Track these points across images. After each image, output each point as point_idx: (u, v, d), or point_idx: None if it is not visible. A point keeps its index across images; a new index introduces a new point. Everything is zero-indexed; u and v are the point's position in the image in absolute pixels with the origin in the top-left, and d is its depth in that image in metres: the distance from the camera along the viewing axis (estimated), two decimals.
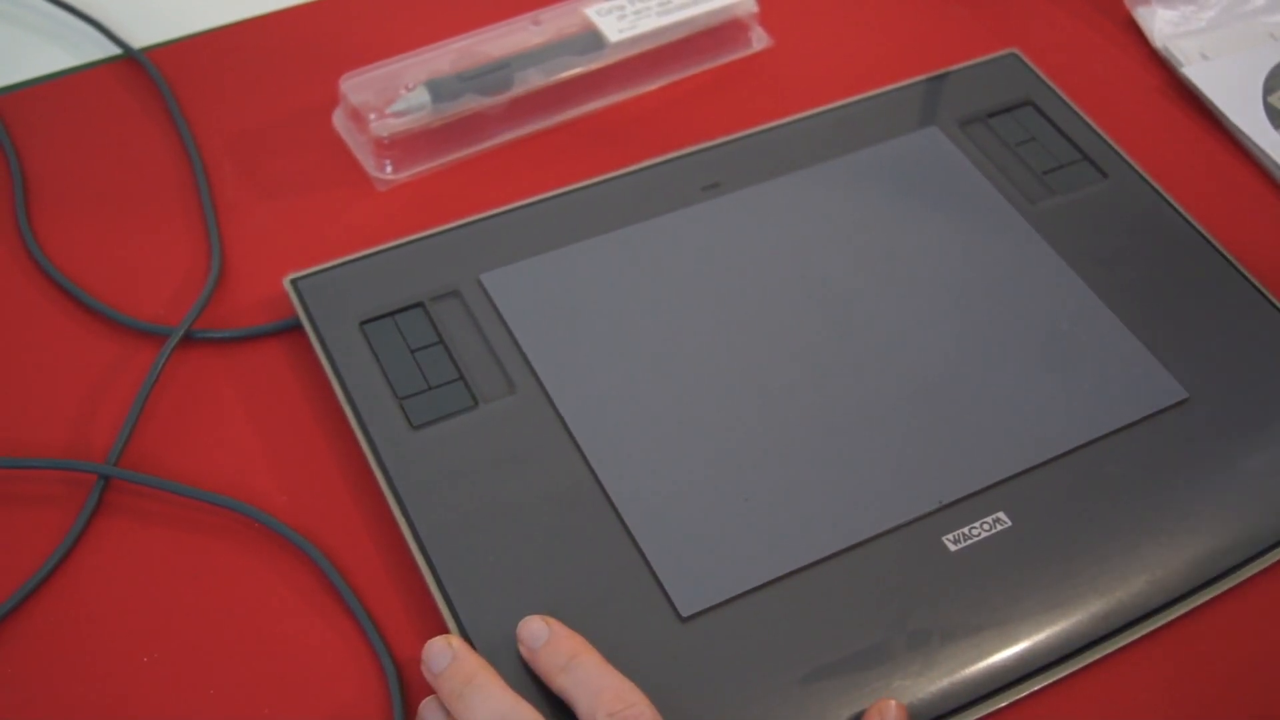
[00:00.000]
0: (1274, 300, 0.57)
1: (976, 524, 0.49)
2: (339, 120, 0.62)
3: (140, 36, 0.66)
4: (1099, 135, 0.62)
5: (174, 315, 0.55)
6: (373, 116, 0.60)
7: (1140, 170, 0.61)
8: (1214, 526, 0.50)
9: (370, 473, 0.50)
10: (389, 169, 0.61)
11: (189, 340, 0.55)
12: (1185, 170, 0.64)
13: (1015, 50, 0.66)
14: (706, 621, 0.46)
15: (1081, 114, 0.63)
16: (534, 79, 0.63)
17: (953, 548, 0.48)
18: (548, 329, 0.53)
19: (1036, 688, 0.46)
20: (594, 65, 0.64)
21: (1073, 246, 0.58)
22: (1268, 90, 0.66)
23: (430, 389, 0.52)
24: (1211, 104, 0.66)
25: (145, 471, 0.51)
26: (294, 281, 0.55)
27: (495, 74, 0.62)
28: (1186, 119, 0.66)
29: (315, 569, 0.49)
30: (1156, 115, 0.66)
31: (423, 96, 0.60)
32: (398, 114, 0.60)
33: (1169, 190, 0.61)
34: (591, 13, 0.64)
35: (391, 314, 0.54)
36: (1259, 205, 0.63)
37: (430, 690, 0.44)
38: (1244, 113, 0.65)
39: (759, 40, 0.68)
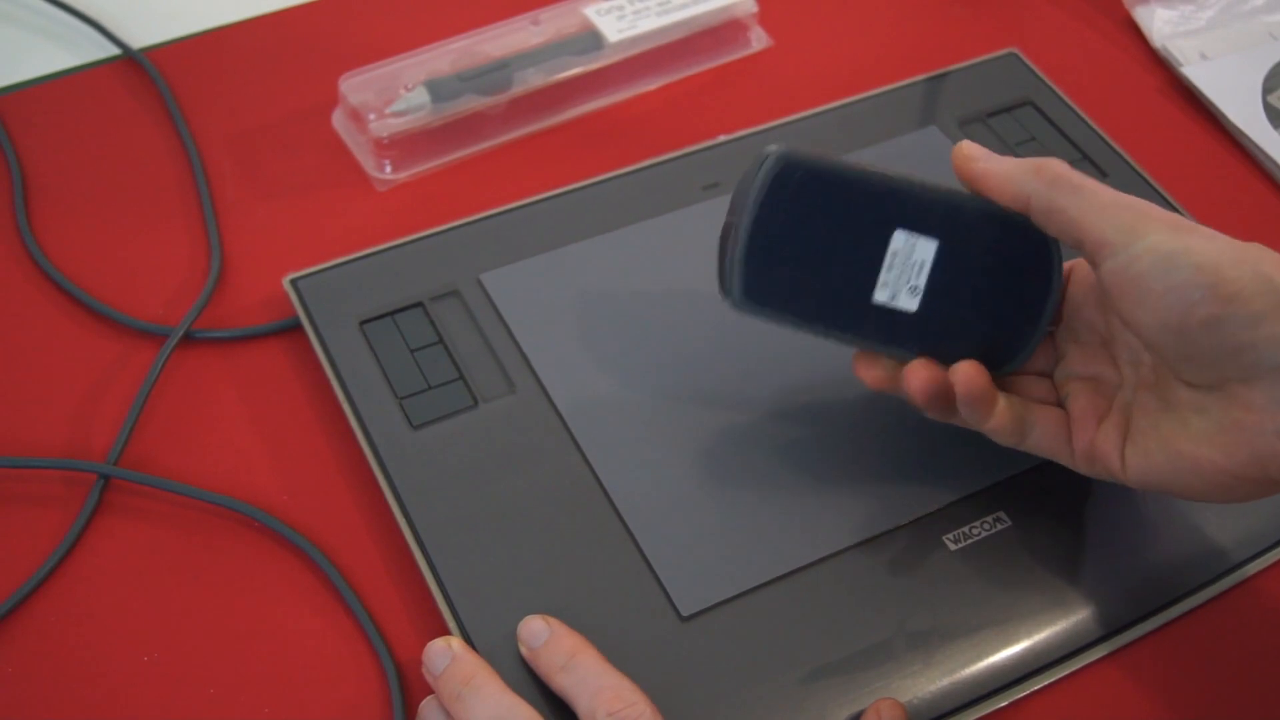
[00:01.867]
0: None
1: (976, 524, 0.49)
2: (338, 120, 0.62)
3: (139, 36, 0.66)
4: (1099, 135, 0.62)
5: (174, 315, 0.55)
6: (372, 116, 0.60)
7: (1140, 170, 0.61)
8: (1214, 526, 0.50)
9: (370, 473, 0.50)
10: (388, 169, 0.61)
11: (189, 340, 0.55)
12: (1185, 170, 0.64)
13: (1015, 50, 0.66)
14: (706, 621, 0.46)
15: (1081, 114, 0.63)
16: (534, 79, 0.63)
17: (953, 547, 0.48)
18: (548, 329, 0.53)
19: (1036, 688, 0.46)
20: (593, 65, 0.64)
21: None
22: (1267, 90, 0.66)
23: (430, 389, 0.52)
24: (1211, 104, 0.66)
25: (145, 471, 0.51)
26: (294, 281, 0.55)
27: (495, 74, 0.62)
28: (1186, 119, 0.66)
29: (315, 569, 0.49)
30: (1156, 115, 0.66)
31: (422, 96, 0.60)
32: (397, 114, 0.60)
33: (1169, 189, 0.61)
34: (591, 13, 0.64)
35: (391, 314, 0.54)
36: (1258, 205, 0.63)
37: (430, 691, 0.44)
38: (1243, 112, 0.65)
39: (759, 40, 0.68)
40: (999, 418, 0.46)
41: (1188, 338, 0.41)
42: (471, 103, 0.62)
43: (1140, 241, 0.42)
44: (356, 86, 0.61)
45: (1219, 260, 0.41)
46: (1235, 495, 0.43)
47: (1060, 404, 0.47)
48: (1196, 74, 0.67)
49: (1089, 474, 0.46)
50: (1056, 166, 0.45)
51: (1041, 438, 0.47)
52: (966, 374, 0.45)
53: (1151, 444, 0.44)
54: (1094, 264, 0.44)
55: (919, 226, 0.45)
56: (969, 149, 0.46)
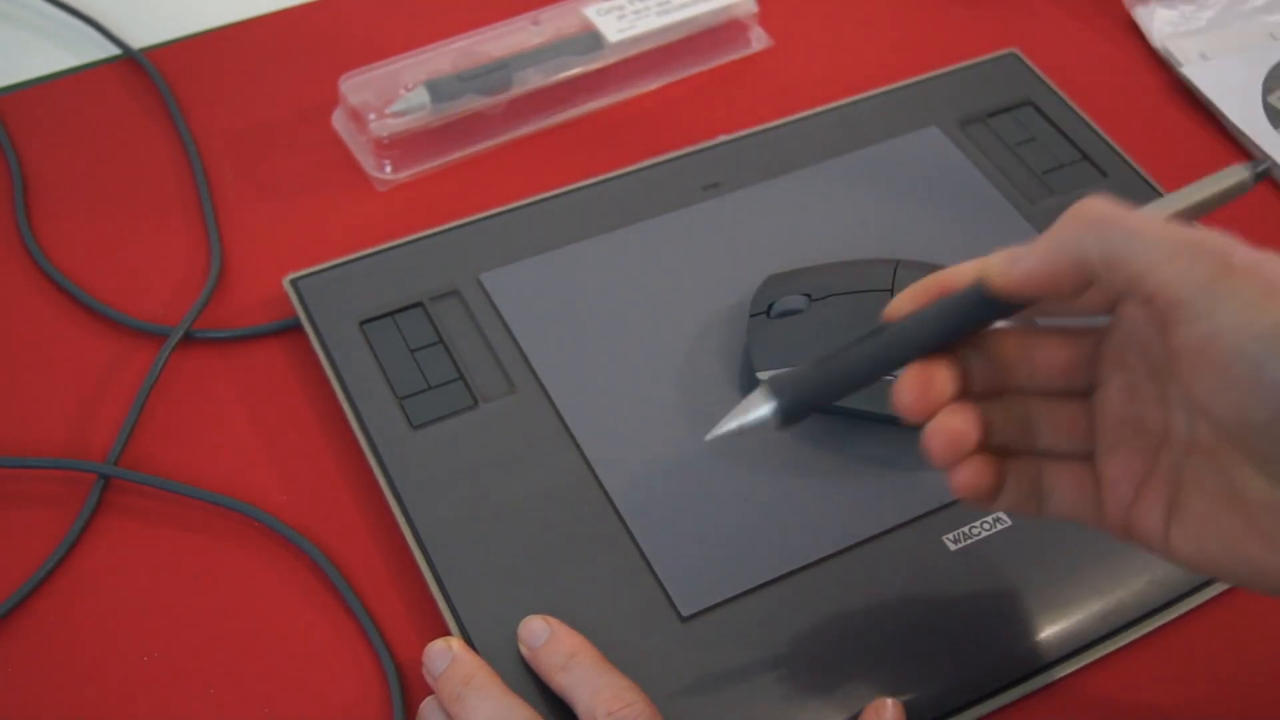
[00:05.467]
0: None
1: (976, 524, 0.49)
2: (339, 120, 0.62)
3: (139, 36, 0.66)
4: (1099, 135, 0.62)
5: (174, 315, 0.55)
6: (372, 116, 0.60)
7: (1140, 170, 0.61)
8: None
9: (370, 473, 0.50)
10: (388, 169, 0.61)
11: (189, 340, 0.55)
12: (1185, 170, 0.63)
13: (1015, 50, 0.66)
14: (706, 621, 0.46)
15: (1081, 114, 0.63)
16: (533, 79, 0.63)
17: (953, 547, 0.48)
18: (548, 329, 0.53)
19: (1036, 687, 0.46)
20: (593, 65, 0.64)
21: None
22: (1267, 90, 0.66)
23: (430, 389, 0.52)
24: (1211, 104, 0.66)
25: (145, 471, 0.51)
26: (294, 281, 0.55)
27: (495, 74, 0.62)
28: (1186, 119, 0.66)
29: (315, 569, 0.49)
30: (1156, 115, 0.66)
31: (422, 96, 0.60)
32: (397, 114, 0.60)
33: (1169, 190, 0.61)
34: (591, 13, 0.64)
35: (391, 314, 0.54)
36: (1258, 206, 0.63)
37: (430, 691, 0.44)
38: (1243, 112, 0.65)
39: (759, 40, 0.68)
40: (1005, 500, 0.40)
41: None
42: (471, 103, 0.62)
43: (1224, 308, 0.33)
44: (356, 86, 0.61)
45: None
46: None
47: (1086, 451, 0.40)
48: (1196, 74, 0.67)
49: (1122, 542, 0.39)
50: (1094, 208, 0.35)
51: (1062, 503, 0.40)
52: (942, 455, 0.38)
53: (1208, 534, 0.36)
54: (1164, 326, 0.35)
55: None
56: (996, 266, 0.37)
